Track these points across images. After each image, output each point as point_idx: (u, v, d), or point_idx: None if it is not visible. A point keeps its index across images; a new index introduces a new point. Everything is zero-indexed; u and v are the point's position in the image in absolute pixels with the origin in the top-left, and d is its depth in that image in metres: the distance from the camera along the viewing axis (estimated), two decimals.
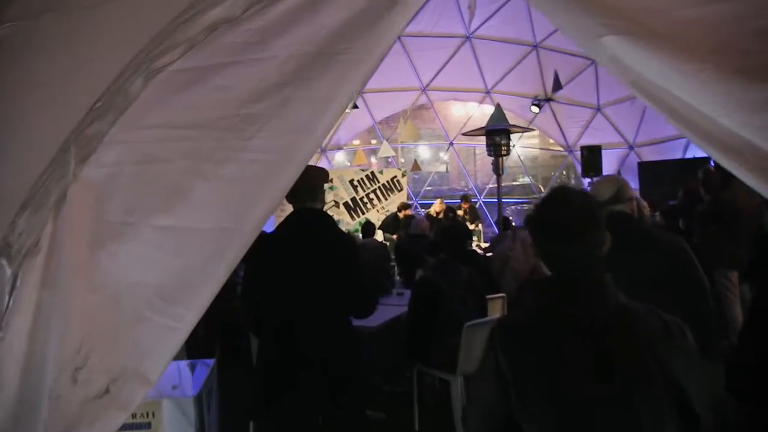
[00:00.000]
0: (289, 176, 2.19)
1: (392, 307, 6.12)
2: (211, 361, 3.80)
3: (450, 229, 6.34)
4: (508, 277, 7.58)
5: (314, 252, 3.62)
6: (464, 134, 8.99)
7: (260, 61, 2.18)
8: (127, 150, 2.21)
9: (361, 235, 10.38)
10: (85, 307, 2.16)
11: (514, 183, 23.18)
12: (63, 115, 2.24)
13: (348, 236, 4.23)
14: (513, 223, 13.80)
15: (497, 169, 8.69)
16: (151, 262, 2.20)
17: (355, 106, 14.16)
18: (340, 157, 19.49)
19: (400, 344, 5.64)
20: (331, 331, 3.63)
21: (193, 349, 4.33)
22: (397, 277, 9.93)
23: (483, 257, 7.68)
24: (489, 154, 8.68)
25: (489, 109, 17.43)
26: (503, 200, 20.12)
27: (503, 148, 8.53)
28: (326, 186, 13.69)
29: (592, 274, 2.07)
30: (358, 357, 3.78)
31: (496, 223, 12.17)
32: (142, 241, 2.18)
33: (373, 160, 19.47)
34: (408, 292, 6.88)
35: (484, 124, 18.93)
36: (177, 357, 2.50)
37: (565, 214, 2.09)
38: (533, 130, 8.67)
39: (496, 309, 5.98)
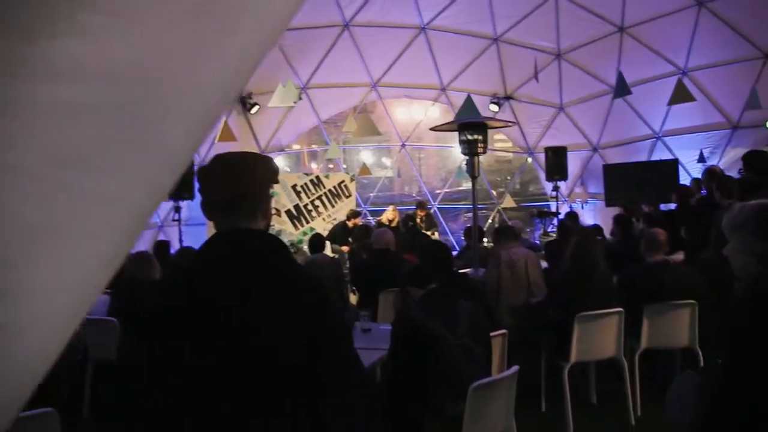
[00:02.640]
0: (165, 157, 0.70)
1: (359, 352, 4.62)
2: None
3: (435, 249, 4.93)
4: (502, 313, 6.21)
5: (256, 321, 1.91)
6: (432, 129, 7.56)
7: None
8: None
9: (307, 248, 8.88)
10: None
11: (459, 189, 21.89)
12: None
13: (321, 285, 2.22)
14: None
15: (472, 170, 7.24)
16: None
17: (300, 98, 12.61)
18: (280, 161, 17.92)
19: (372, 409, 4.18)
20: None
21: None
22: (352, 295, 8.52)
23: (478, 284, 6.19)
24: (463, 152, 7.22)
25: (440, 109, 16.19)
26: (457, 206, 18.98)
27: (480, 145, 7.09)
28: None
29: None
30: None
31: (464, 233, 10.80)
32: None
33: (314, 165, 17.97)
34: (377, 328, 5.41)
35: (433, 125, 17.98)
36: None
37: None
38: (514, 124, 7.36)
39: (495, 349, 4.55)
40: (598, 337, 5.49)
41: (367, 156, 19.70)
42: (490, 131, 7.19)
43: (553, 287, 5.91)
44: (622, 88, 9.39)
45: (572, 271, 5.62)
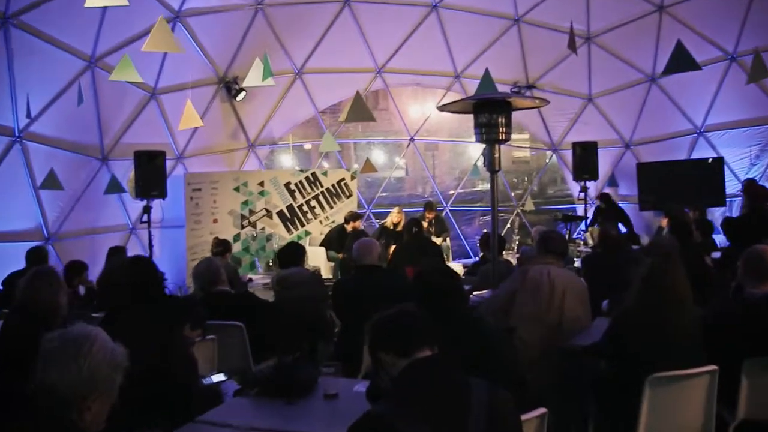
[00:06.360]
0: None
1: None
2: None
3: (434, 282, 3.20)
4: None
5: None
6: (440, 109, 5.82)
7: None
8: None
9: (279, 262, 7.11)
10: None
11: (475, 189, 20.15)
12: None
13: None
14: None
15: (492, 162, 5.49)
16: None
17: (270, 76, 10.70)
18: (276, 156, 16.17)
19: None
20: None
21: None
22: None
23: (500, 333, 4.23)
24: (479, 140, 5.47)
25: (453, 99, 14.40)
26: (473, 209, 17.15)
27: (501, 129, 5.33)
28: (256, 191, 10.21)
29: None
30: None
31: (480, 242, 9.02)
32: None
33: (325, 164, 16.24)
34: (351, 390, 3.60)
35: (444, 124, 16.15)
36: None
37: None
38: (546, 103, 5.67)
39: None
40: (679, 406, 3.69)
41: (378, 153, 18.00)
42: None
43: (612, 330, 4.03)
44: (679, 61, 7.52)
45: (644, 309, 3.77)
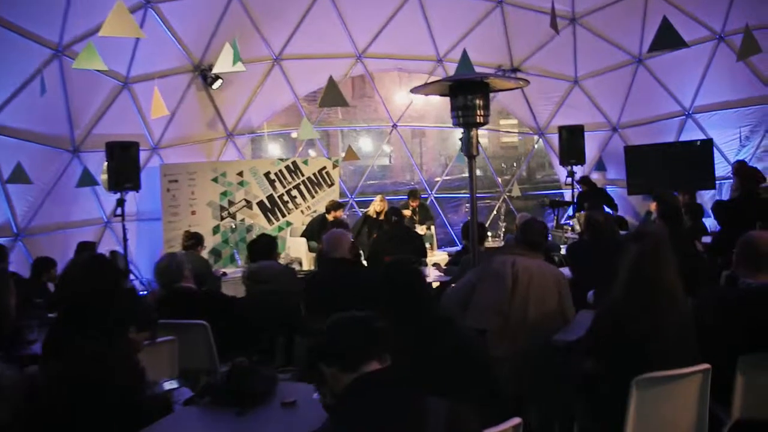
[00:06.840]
0: None
1: None
2: None
3: (395, 277, 2.92)
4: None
5: None
6: (414, 91, 5.49)
7: None
8: None
9: (250, 255, 6.80)
10: None
11: (462, 175, 19.85)
12: None
13: None
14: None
15: (469, 146, 5.21)
16: None
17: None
18: (260, 144, 15.86)
19: None
20: None
21: None
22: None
23: (472, 335, 3.81)
24: (455, 124, 5.18)
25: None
26: (459, 195, 16.83)
27: (479, 112, 5.04)
28: (236, 181, 9.88)
29: None
30: None
31: (463, 231, 8.70)
32: None
33: (311, 153, 15.94)
34: (311, 399, 3.25)
35: (429, 110, 15.83)
36: None
37: None
38: (526, 83, 5.37)
39: None
40: (669, 407, 3.41)
41: (365, 141, 17.66)
42: (493, 107, 5.15)
43: (596, 324, 3.71)
44: (666, 38, 7.24)
45: (632, 302, 3.46)
